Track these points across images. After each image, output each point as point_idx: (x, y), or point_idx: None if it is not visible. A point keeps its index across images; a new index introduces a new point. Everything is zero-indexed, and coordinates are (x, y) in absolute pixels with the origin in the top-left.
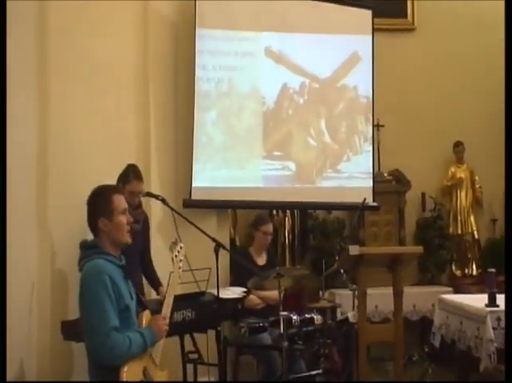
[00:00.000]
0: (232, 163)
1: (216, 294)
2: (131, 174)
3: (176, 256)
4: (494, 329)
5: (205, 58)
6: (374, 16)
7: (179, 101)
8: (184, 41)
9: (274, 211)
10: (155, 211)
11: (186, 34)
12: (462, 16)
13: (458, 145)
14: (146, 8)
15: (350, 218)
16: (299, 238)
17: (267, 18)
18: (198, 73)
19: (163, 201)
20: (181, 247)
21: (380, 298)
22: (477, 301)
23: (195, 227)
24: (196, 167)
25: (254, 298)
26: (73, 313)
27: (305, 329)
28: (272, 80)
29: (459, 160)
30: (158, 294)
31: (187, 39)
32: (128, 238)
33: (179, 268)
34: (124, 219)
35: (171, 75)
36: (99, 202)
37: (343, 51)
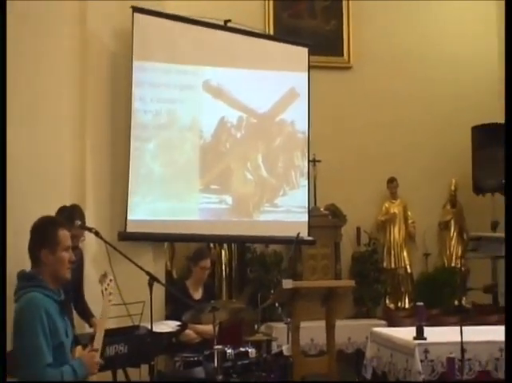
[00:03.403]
0: (170, 196)
1: (150, 327)
2: (76, 217)
3: (106, 289)
4: (421, 361)
5: (144, 90)
6: (311, 54)
7: (117, 132)
8: (123, 72)
9: (212, 244)
10: (89, 244)
11: (125, 65)
12: (398, 54)
13: (392, 181)
14: (84, 37)
15: (288, 251)
16: (237, 271)
17: (207, 53)
18: (135, 104)
19: (97, 234)
20: (111, 280)
21: (315, 331)
22: (406, 333)
23: (129, 260)
24: (134, 200)
25: (190, 333)
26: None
27: (240, 362)
28: (210, 113)
29: (393, 196)
30: (90, 325)
31: (126, 70)
32: (68, 275)
33: (109, 301)
34: (66, 256)
35: (108, 106)
36: (44, 233)
37: (280, 87)
